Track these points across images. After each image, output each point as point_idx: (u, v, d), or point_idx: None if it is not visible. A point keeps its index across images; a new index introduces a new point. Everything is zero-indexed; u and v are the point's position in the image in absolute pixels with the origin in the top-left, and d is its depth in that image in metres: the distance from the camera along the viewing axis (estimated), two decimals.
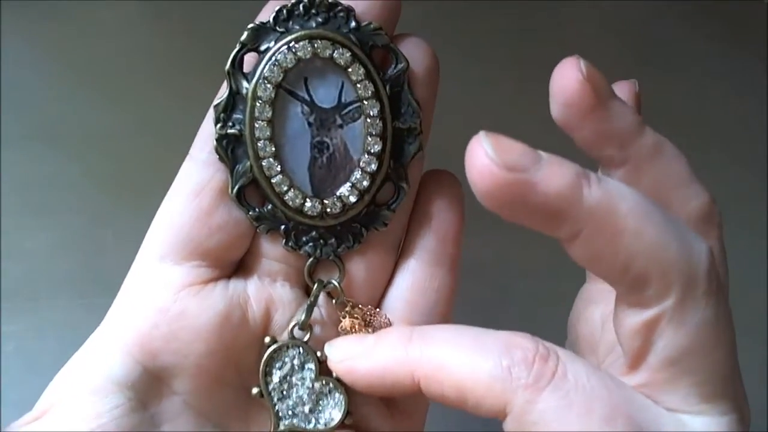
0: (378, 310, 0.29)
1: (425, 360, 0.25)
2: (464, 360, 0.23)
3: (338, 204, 0.28)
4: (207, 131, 0.27)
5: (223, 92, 0.27)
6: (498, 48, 0.49)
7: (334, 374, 0.28)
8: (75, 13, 0.46)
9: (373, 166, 0.28)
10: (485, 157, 0.21)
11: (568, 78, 0.24)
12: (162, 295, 0.27)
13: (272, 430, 0.28)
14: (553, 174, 0.22)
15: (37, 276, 0.44)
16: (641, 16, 0.50)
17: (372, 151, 0.28)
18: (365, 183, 0.28)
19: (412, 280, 0.29)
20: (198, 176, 0.27)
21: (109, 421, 0.26)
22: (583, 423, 0.22)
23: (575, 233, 0.22)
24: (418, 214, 0.30)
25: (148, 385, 0.27)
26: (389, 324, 0.29)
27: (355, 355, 0.27)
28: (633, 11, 0.50)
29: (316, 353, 0.28)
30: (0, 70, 0.45)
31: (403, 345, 0.26)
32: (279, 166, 0.27)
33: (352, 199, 0.28)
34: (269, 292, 0.28)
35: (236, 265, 0.28)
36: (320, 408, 0.28)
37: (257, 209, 0.28)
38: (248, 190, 0.27)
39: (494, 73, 0.48)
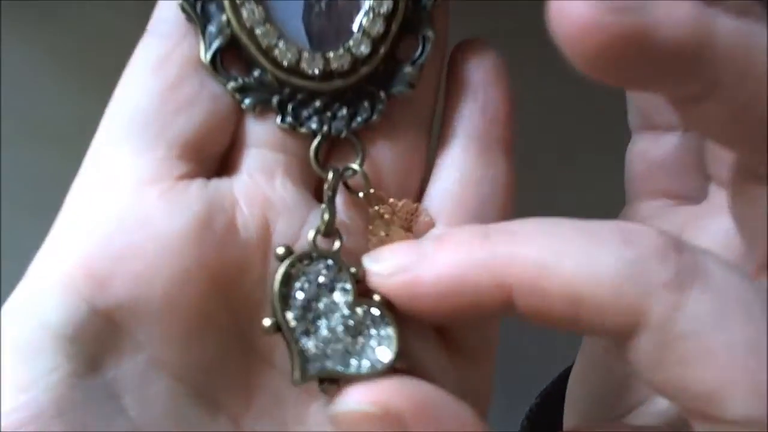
0: (419, 206, 0.22)
1: (519, 260, 0.18)
2: (576, 255, 0.17)
3: (347, 57, 0.21)
4: (166, 3, 0.21)
5: None
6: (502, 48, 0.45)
7: (377, 297, 0.20)
8: (75, 13, 0.44)
9: (387, 7, 0.21)
10: (583, 4, 0.15)
11: None
12: (117, 197, 0.20)
13: (296, 377, 0.20)
14: (672, 9, 0.16)
15: None
16: None
17: None
18: (378, 28, 0.21)
19: (460, 170, 0.22)
20: (159, 47, 0.21)
21: (41, 393, 0.18)
22: (747, 331, 0.17)
23: (711, 83, 0.16)
24: (456, 89, 0.22)
25: (100, 335, 0.19)
26: (432, 221, 0.22)
27: (413, 264, 0.19)
28: None
29: (350, 269, 0.21)
30: (0, 70, 0.43)
31: (480, 245, 0.18)
32: (264, 13, 0.21)
33: (364, 49, 0.21)
34: (265, 192, 0.21)
35: (218, 162, 0.21)
36: (361, 345, 0.20)
37: (240, 78, 0.21)
38: (227, 56, 0.21)
39: None
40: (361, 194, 0.21)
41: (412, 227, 0.22)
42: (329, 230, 0.21)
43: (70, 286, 0.19)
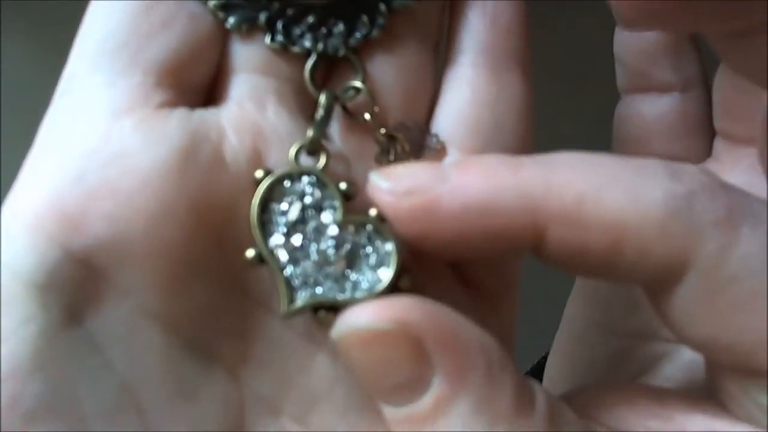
0: (428, 130, 0.20)
1: (557, 189, 0.16)
2: (621, 187, 0.16)
3: None
4: None
5: None
6: None
7: (372, 213, 0.18)
8: (75, 13, 0.43)
9: None
10: None
11: None
12: (88, 129, 0.18)
13: (283, 308, 0.18)
14: None
15: None
16: None
17: None
18: None
19: (471, 89, 0.20)
20: None
21: (16, 347, 0.16)
22: None
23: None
24: None
25: (77, 282, 0.17)
26: (445, 153, 0.19)
27: (433, 185, 0.16)
28: None
29: (337, 185, 0.18)
30: (0, 70, 0.43)
31: (512, 171, 0.16)
32: None
33: None
34: (255, 120, 0.18)
35: (203, 91, 0.19)
36: (356, 266, 0.18)
37: None
38: None
39: None
40: (366, 116, 0.19)
41: (422, 154, 0.19)
42: (314, 146, 0.18)
43: (39, 228, 0.17)
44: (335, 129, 0.19)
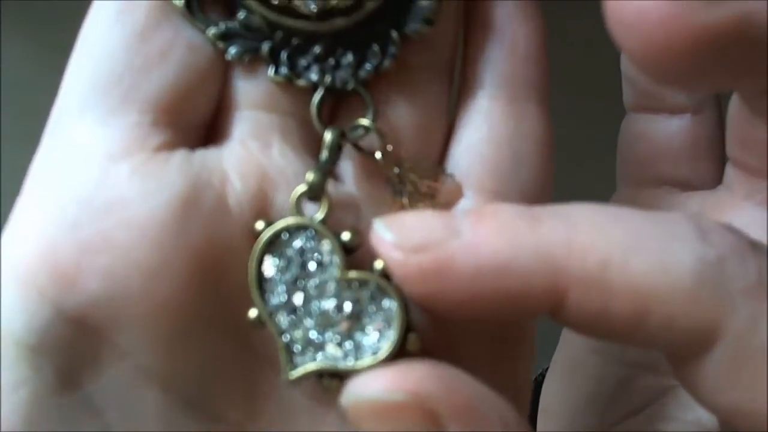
0: (443, 169, 0.18)
1: (579, 250, 0.14)
2: (648, 251, 0.14)
3: None
4: None
5: None
6: None
7: (377, 267, 0.17)
8: (75, 13, 0.42)
9: None
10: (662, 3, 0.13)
11: None
12: (82, 175, 0.16)
13: (284, 375, 0.16)
14: None
15: None
16: None
17: None
18: None
19: (488, 125, 0.18)
20: None
21: (7, 413, 0.15)
22: None
23: None
24: (478, 26, 0.19)
25: (72, 343, 0.16)
26: (461, 194, 0.18)
27: (445, 241, 0.15)
28: None
29: (338, 237, 0.17)
30: (0, 70, 0.42)
31: (530, 227, 0.15)
32: None
33: None
34: (260, 161, 0.17)
35: (203, 129, 0.18)
36: (361, 327, 0.16)
37: (222, 23, 0.17)
38: None
39: None
40: (378, 155, 0.18)
41: (436, 195, 0.18)
42: (315, 193, 0.17)
43: (30, 284, 0.16)
44: (347, 165, 0.18)
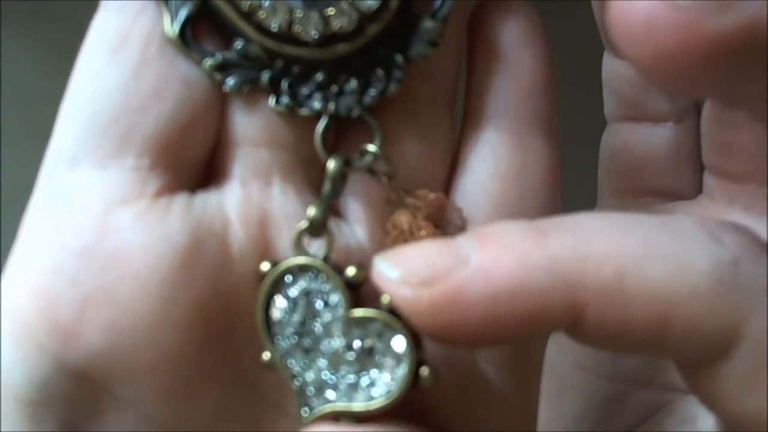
0: (450, 203, 0.18)
1: (593, 263, 0.14)
2: (663, 258, 0.14)
3: (350, 14, 0.17)
4: None
5: None
6: None
7: (384, 302, 0.16)
8: (75, 13, 0.42)
9: None
10: (669, 5, 0.13)
11: None
12: (82, 221, 0.16)
13: (298, 418, 0.16)
14: None
15: None
16: None
17: None
18: None
19: (495, 158, 0.18)
20: (115, 24, 0.16)
21: None
22: None
23: None
24: (482, 55, 0.18)
25: (74, 397, 0.15)
26: (466, 224, 0.18)
27: (453, 271, 0.14)
28: None
29: (342, 274, 0.16)
30: (0, 70, 0.42)
31: (538, 244, 0.14)
32: None
33: (372, 3, 0.17)
34: (262, 203, 0.17)
35: (201, 169, 0.17)
36: (371, 365, 0.16)
37: (218, 53, 0.17)
38: (199, 27, 0.17)
39: None
40: (384, 179, 0.17)
41: (440, 225, 0.17)
42: (317, 229, 0.16)
43: (29, 337, 0.15)
44: (352, 202, 0.17)
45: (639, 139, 0.22)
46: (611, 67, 0.21)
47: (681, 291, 0.14)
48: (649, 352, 0.15)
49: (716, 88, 0.15)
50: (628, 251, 0.14)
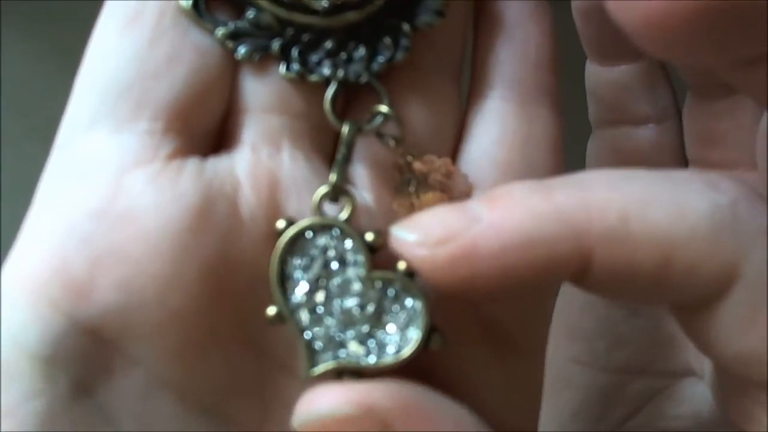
0: (457, 169, 0.18)
1: (597, 209, 0.15)
2: (664, 202, 0.15)
3: None
4: None
5: None
6: None
7: (400, 268, 0.16)
8: (75, 13, 0.42)
9: None
10: None
11: None
12: (94, 186, 0.16)
13: (303, 373, 0.16)
14: None
15: None
16: None
17: None
18: None
19: (501, 126, 0.18)
20: (129, 2, 0.17)
21: (21, 422, 0.15)
22: None
23: None
24: (488, 27, 0.19)
25: (86, 354, 0.16)
26: (471, 190, 0.18)
27: (466, 230, 0.15)
28: None
29: (363, 237, 0.17)
30: (0, 70, 0.42)
31: (545, 198, 0.15)
32: None
33: None
34: (271, 167, 0.17)
35: (213, 135, 0.18)
36: (384, 325, 0.17)
37: (231, 22, 0.17)
38: None
39: None
40: (392, 142, 0.18)
41: (446, 190, 0.18)
42: (337, 193, 0.17)
43: (43, 296, 0.16)
44: (360, 169, 0.18)
45: (622, 142, 0.22)
46: (593, 74, 0.22)
47: (681, 232, 0.15)
48: (653, 296, 0.16)
49: (704, 53, 0.15)
50: (630, 197, 0.15)
